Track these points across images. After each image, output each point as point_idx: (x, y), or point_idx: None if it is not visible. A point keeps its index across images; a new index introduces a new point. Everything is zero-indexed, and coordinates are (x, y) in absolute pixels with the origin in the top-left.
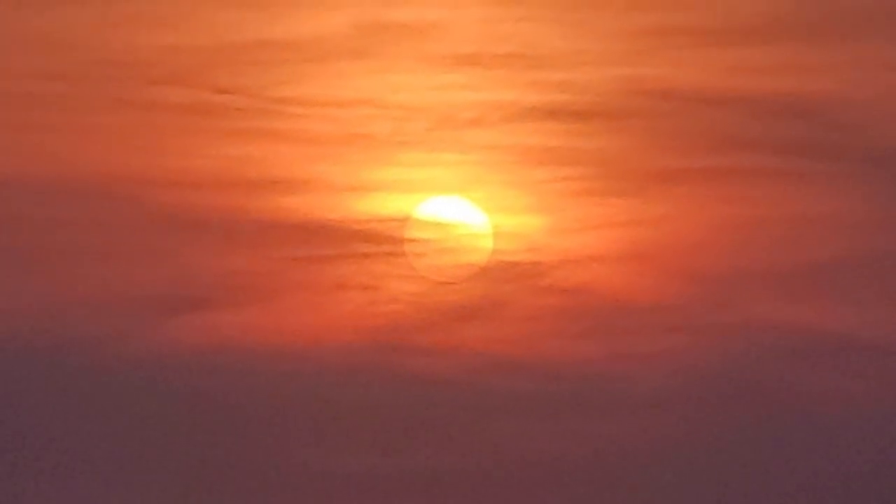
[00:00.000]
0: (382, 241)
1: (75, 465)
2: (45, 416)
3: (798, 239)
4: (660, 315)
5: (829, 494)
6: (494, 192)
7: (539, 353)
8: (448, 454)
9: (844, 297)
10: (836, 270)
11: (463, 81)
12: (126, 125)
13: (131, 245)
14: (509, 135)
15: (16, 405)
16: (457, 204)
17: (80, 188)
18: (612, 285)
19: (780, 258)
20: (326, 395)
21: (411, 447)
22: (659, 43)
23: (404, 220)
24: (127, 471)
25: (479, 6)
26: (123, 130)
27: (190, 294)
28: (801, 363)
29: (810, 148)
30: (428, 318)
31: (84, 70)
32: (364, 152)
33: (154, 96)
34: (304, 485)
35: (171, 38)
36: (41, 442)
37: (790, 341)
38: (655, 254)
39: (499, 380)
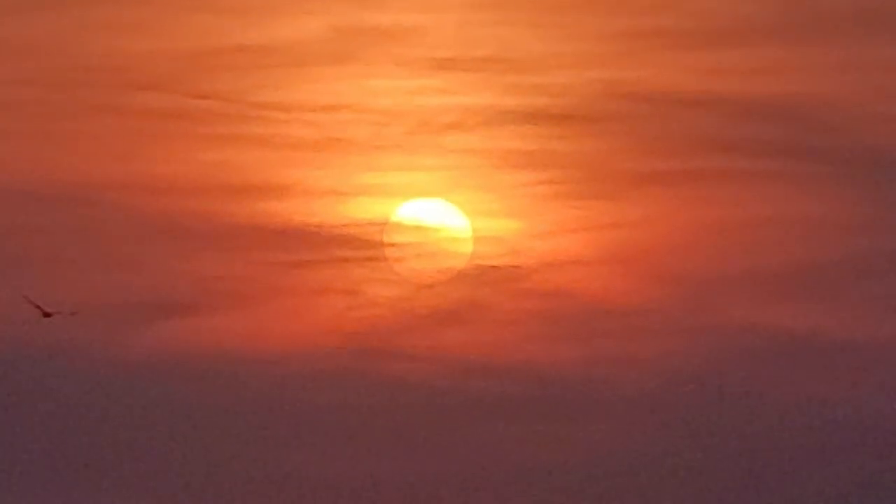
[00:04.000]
0: (362, 245)
1: (59, 468)
2: (28, 421)
3: (778, 241)
4: (640, 318)
5: (811, 493)
6: (473, 195)
7: (519, 356)
8: (428, 458)
9: (825, 299)
10: (817, 272)
11: (441, 85)
12: (105, 131)
13: (111, 251)
14: (488, 138)
15: None
16: (436, 208)
17: (60, 195)
18: (592, 289)
19: (760, 260)
20: (307, 399)
21: (392, 452)
22: (636, 46)
23: (384, 225)
24: (110, 473)
25: (457, 10)
26: (102, 137)
27: (170, 300)
28: (781, 365)
29: (789, 150)
30: (408, 322)
31: (62, 76)
32: (343, 157)
33: (133, 102)
34: (284, 489)
35: (149, 43)
36: (25, 446)
37: (770, 344)
38: (634, 257)
39: (479, 384)
